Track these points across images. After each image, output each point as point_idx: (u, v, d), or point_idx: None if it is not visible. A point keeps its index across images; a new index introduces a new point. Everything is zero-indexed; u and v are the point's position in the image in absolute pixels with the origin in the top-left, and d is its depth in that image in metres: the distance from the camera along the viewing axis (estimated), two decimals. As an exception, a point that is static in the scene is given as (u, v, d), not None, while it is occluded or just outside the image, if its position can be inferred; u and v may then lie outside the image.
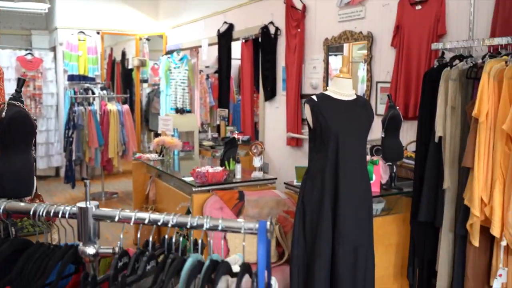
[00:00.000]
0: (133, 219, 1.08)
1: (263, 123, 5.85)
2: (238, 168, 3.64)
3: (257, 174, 3.71)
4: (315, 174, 2.62)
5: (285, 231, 3.32)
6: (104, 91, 7.92)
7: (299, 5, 5.10)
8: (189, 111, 5.95)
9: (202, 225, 1.10)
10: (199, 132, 6.19)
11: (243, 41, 6.17)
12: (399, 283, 3.27)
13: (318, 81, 4.96)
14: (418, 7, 3.73)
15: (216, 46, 6.75)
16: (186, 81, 8.04)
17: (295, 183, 3.42)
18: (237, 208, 3.35)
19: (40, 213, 1.14)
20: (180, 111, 5.66)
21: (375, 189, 3.14)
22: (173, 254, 1.08)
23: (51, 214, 1.14)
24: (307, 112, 2.63)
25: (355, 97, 2.68)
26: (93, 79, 9.21)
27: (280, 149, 5.52)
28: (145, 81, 10.08)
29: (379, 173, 3.13)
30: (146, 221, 1.09)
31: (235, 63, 7.30)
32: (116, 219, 1.09)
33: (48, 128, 8.50)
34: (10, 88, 7.82)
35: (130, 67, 9.94)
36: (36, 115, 8.20)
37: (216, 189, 3.48)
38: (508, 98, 2.54)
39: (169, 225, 1.09)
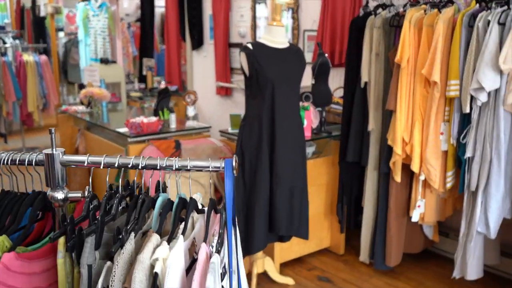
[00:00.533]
0: (102, 163, 1.13)
1: (191, 73, 5.84)
2: (173, 117, 3.67)
3: (191, 123, 3.77)
4: (252, 120, 2.73)
5: (222, 177, 3.44)
6: (17, 41, 7.45)
7: (224, -49, 5.05)
8: (114, 62, 5.79)
9: (171, 166, 1.17)
10: (126, 83, 6.07)
11: (167, -13, 6.01)
12: (329, 219, 3.53)
13: (246, 29, 5.01)
14: (343, -44, 3.85)
15: (138, -7, 6.54)
16: (106, 29, 7.70)
17: (230, 130, 3.52)
18: (175, 157, 3.40)
19: (4, 161, 1.16)
20: (104, 61, 5.49)
21: (307, 133, 3.32)
22: (142, 195, 1.14)
23: (16, 162, 1.16)
24: (242, 60, 2.70)
25: (288, 45, 2.78)
26: (2, 28, 8.59)
27: (210, 99, 5.57)
28: (61, 29, 9.55)
29: (310, 118, 3.30)
30: (116, 165, 1.14)
31: (158, 11, 7.11)
32: (85, 163, 1.13)
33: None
34: None
35: (42, 14, 9.34)
36: None
37: (152, 139, 3.50)
38: (427, 45, 2.75)
39: (139, 167, 1.15)
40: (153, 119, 3.55)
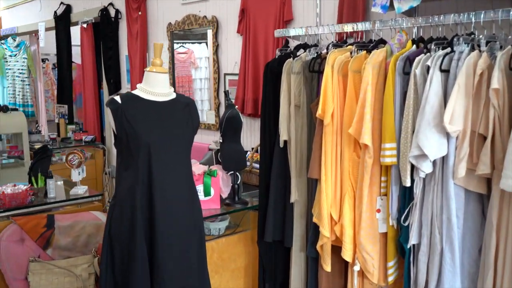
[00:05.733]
0: None
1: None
2: (51, 184, 2.90)
3: (77, 190, 3.00)
4: (124, 198, 2.00)
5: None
6: None
7: (138, -16, 4.41)
8: (15, 109, 4.98)
9: None
10: (31, 133, 5.25)
11: (83, 25, 5.31)
12: (249, 312, 2.80)
13: (164, 72, 4.32)
14: (264, -13, 3.25)
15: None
16: (25, 71, 6.93)
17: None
18: (44, 239, 2.62)
19: None
20: (2, 108, 4.68)
21: (215, 205, 2.61)
22: None
23: None
24: (110, 118, 2.00)
25: (173, 96, 2.10)
26: None
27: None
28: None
29: (219, 186, 2.60)
30: None
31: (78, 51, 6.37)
32: None
33: None
34: None
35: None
36: None
37: (17, 214, 2.71)
38: (355, 96, 2.13)
39: None
40: (21, 188, 2.77)
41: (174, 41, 4.17)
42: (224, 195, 2.66)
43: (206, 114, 3.95)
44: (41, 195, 2.88)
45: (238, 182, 2.69)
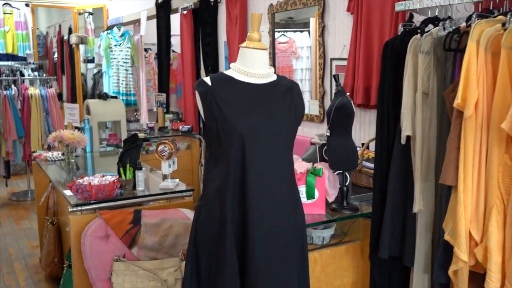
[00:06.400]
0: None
1: (205, 110, 4.87)
2: (140, 176, 2.67)
3: (167, 184, 2.75)
4: (212, 199, 1.68)
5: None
6: (36, 73, 6.85)
7: (239, -36, 4.11)
8: (114, 97, 4.94)
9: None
10: (130, 121, 5.20)
11: (183, 11, 5.15)
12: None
13: (264, 58, 4.00)
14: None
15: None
16: (129, 60, 7.02)
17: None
18: (130, 236, 2.40)
19: None
20: (102, 96, 4.64)
21: (319, 210, 2.22)
22: None
23: None
24: (198, 102, 1.68)
25: (274, 78, 1.73)
26: (24, 59, 8.10)
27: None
28: (90, 61, 9.01)
29: (324, 188, 2.20)
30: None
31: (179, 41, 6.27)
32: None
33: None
34: None
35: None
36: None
37: (103, 208, 2.52)
38: (509, 80, 1.61)
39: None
40: (108, 179, 2.57)
41: (275, 29, 3.82)
42: (330, 199, 2.25)
43: (309, 104, 3.55)
44: (129, 187, 2.67)
45: (347, 184, 2.27)
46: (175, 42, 5.92)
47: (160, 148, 2.71)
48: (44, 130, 5.98)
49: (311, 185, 2.17)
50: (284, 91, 1.72)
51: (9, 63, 7.81)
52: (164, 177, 2.79)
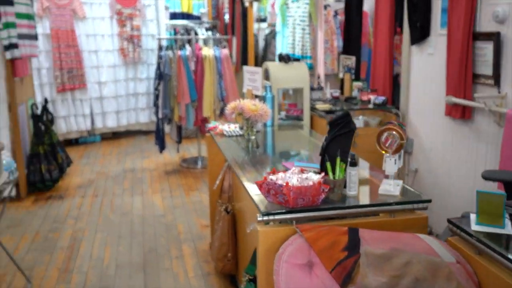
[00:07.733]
0: None
1: (407, 79, 3.88)
2: (353, 176, 1.87)
3: (389, 188, 1.91)
4: None
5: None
6: (209, 32, 6.48)
7: None
8: (297, 60, 4.19)
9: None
10: (312, 89, 4.43)
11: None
12: None
13: (507, 9, 2.87)
14: None
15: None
16: (306, 18, 6.23)
17: (473, 225, 1.58)
18: (344, 270, 1.62)
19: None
20: (284, 58, 3.93)
21: None
22: None
23: None
24: None
25: None
26: (198, 18, 7.83)
27: (434, 123, 3.55)
28: (263, 20, 8.48)
29: None
30: None
31: None
32: None
33: (148, 76, 7.31)
34: (105, 27, 6.68)
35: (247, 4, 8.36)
36: (135, 60, 7.07)
37: (302, 219, 1.77)
38: None
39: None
40: (313, 178, 1.81)
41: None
42: None
43: None
44: (338, 191, 1.88)
45: None
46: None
47: (385, 135, 1.86)
48: (217, 95, 5.55)
49: None
50: None
51: (184, 21, 7.61)
52: (385, 177, 1.95)
